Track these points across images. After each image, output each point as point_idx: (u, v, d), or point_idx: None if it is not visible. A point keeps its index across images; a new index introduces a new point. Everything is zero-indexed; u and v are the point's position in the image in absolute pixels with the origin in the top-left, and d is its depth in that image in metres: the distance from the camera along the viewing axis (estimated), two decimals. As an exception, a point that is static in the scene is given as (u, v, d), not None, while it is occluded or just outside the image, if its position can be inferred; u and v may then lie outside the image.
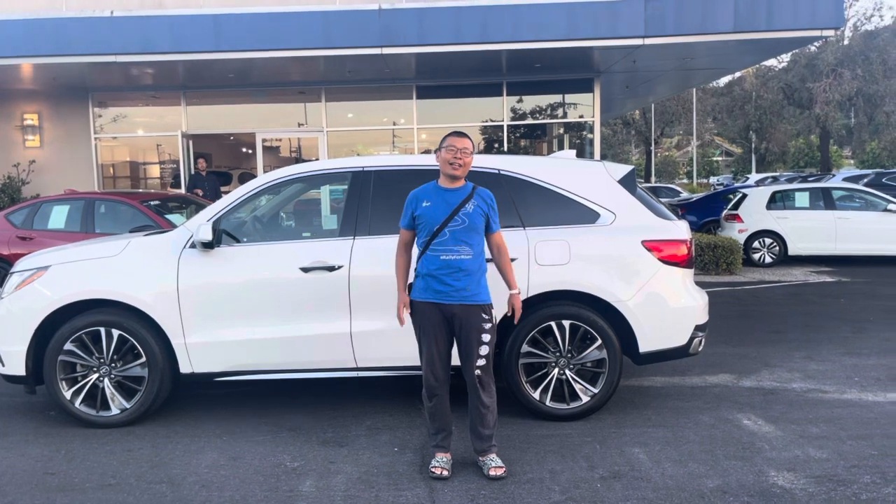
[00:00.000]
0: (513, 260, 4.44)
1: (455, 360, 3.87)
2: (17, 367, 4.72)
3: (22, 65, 11.67)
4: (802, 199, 12.86)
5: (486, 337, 3.78)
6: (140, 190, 13.94)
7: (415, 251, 3.91)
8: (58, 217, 9.07)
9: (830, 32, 11.99)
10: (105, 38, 11.08)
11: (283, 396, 5.26)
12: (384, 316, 4.50)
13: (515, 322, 4.05)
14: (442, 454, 3.89)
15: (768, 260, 12.43)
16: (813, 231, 12.33)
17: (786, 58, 31.54)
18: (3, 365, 4.80)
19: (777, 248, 12.42)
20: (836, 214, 12.32)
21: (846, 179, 20.53)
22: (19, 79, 12.88)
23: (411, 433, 4.49)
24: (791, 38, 11.72)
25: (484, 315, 3.78)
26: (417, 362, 3.92)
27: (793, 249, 12.36)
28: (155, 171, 15.33)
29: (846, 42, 28.67)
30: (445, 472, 3.80)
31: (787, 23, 11.20)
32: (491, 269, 3.93)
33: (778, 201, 12.79)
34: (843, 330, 7.28)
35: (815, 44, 26.72)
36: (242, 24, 11.14)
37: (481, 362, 3.78)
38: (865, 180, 19.74)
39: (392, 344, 4.51)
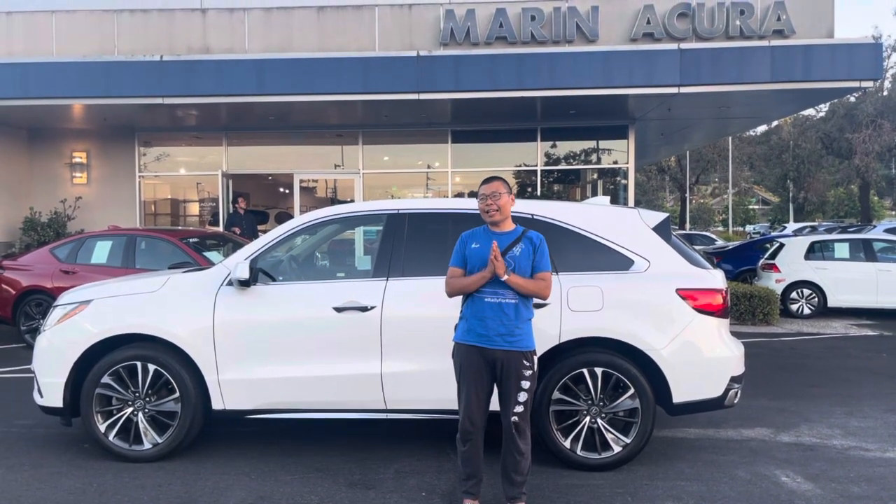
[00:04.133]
0: (545, 305, 4.45)
1: (493, 405, 3.83)
2: (56, 398, 4.81)
3: (75, 105, 12.17)
4: (842, 249, 12.62)
5: (526, 384, 3.74)
6: (179, 227, 14.27)
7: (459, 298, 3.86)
8: (100, 252, 9.31)
9: (869, 83, 11.93)
10: (154, 81, 11.52)
11: (313, 436, 5.26)
12: (415, 358, 4.53)
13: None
14: (471, 501, 3.84)
15: (807, 311, 12.16)
16: (853, 283, 12.08)
17: (824, 107, 31.35)
18: (42, 396, 4.91)
19: (816, 299, 12.16)
20: (877, 266, 12.06)
21: (887, 231, 20.09)
22: (71, 118, 13.41)
23: (439, 478, 4.45)
24: (829, 88, 11.67)
25: (525, 362, 3.74)
26: (446, 406, 3.90)
27: (832, 301, 12.08)
28: (195, 208, 15.71)
29: (885, 93, 28.40)
30: (473, 520, 3.75)
31: (824, 73, 11.18)
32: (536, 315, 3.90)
33: (817, 252, 12.58)
34: (885, 386, 7.05)
35: (854, 94, 26.51)
36: (284, 69, 11.49)
37: (519, 409, 3.73)
38: (908, 232, 19.29)
39: (422, 387, 4.51)
